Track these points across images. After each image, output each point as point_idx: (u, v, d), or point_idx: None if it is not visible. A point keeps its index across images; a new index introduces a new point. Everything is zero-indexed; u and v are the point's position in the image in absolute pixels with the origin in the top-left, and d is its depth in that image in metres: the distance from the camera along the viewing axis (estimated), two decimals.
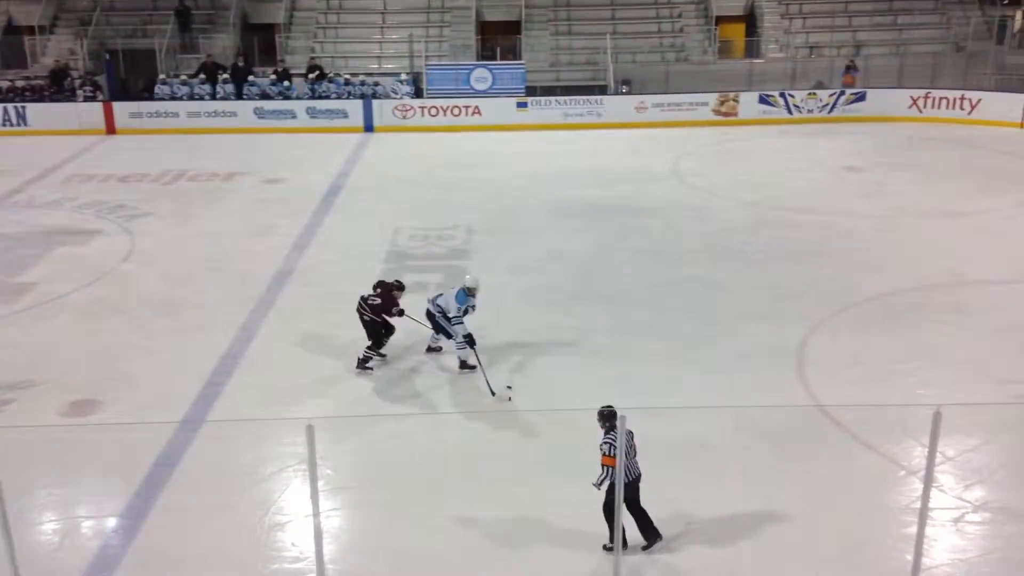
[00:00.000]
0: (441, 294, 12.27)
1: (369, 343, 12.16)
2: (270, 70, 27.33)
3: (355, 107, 26.17)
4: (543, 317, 13.80)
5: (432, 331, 12.52)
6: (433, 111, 26.25)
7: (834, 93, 26.06)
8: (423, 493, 9.51)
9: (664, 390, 11.55)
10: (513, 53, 28.30)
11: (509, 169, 22.11)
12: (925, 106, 25.54)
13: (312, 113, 26.15)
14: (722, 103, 26.30)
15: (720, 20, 29.13)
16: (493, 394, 11.40)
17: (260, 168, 22.29)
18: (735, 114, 26.19)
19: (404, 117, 26.18)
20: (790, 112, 26.07)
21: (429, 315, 12.27)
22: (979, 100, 24.99)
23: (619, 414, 7.79)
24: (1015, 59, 27.36)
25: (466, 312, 11.99)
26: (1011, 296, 14.18)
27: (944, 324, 13.29)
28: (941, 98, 25.44)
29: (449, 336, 12.19)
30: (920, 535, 7.51)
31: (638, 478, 8.44)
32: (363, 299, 12.23)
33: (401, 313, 12.22)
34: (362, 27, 29.95)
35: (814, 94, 26.16)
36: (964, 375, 11.76)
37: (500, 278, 15.25)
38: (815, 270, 15.42)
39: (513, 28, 29.25)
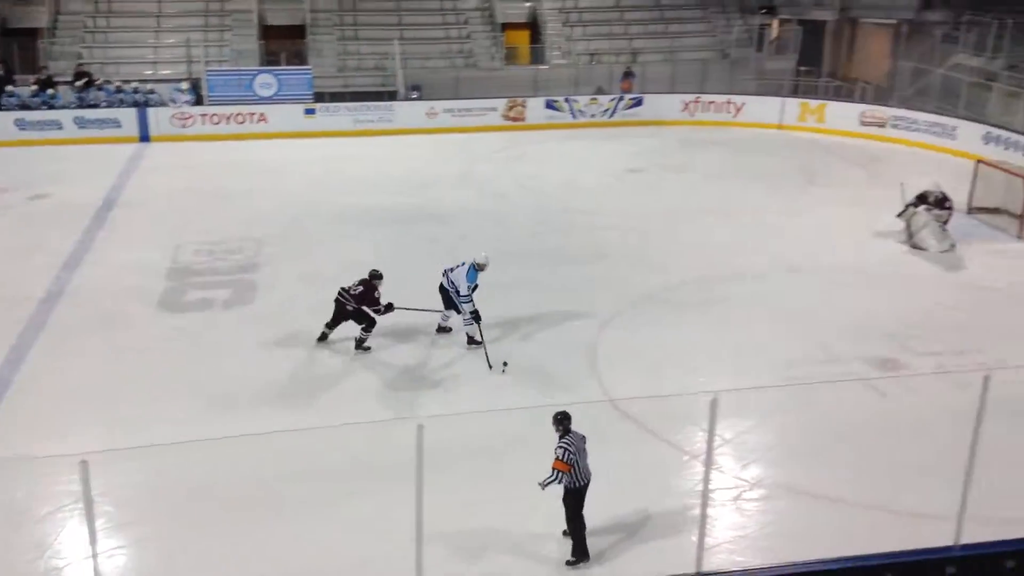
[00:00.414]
0: (454, 268, 12.84)
1: (363, 326, 12.64)
2: (31, 78, 25.37)
3: (128, 116, 24.74)
4: (342, 328, 13.54)
5: (443, 308, 13.08)
6: (215, 119, 25.26)
7: (614, 98, 27.21)
8: (211, 524, 9.09)
9: (463, 395, 11.63)
10: (299, 58, 27.72)
11: (299, 178, 21.60)
12: (696, 110, 27.13)
13: (80, 123, 24.48)
14: (511, 108, 26.87)
15: (506, 27, 29.77)
16: (491, 367, 12.22)
17: (24, 183, 20.60)
18: (523, 119, 26.82)
19: (184, 126, 25.02)
20: (574, 117, 26.98)
21: (442, 289, 12.93)
22: (743, 103, 26.83)
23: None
24: (773, 64, 29.57)
25: (474, 289, 12.68)
26: (780, 286, 15.27)
27: (720, 315, 14.14)
28: (710, 102, 27.10)
29: (459, 311, 12.81)
30: (703, 515, 7.92)
31: (588, 483, 8.44)
32: (344, 290, 12.66)
33: (390, 308, 12.66)
34: (134, 31, 28.39)
35: (596, 99, 27.21)
36: (741, 362, 12.55)
37: (293, 290, 14.88)
38: (604, 269, 16.00)
39: (298, 33, 28.64)
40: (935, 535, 7.96)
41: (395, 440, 8.31)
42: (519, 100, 26.93)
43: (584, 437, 8.55)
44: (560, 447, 8.32)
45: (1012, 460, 10.00)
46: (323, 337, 13.00)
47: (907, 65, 27.60)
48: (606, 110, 27.13)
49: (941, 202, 16.90)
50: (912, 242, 16.85)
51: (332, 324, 12.92)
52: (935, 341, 13.11)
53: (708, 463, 8.16)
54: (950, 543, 7.79)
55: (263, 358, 12.61)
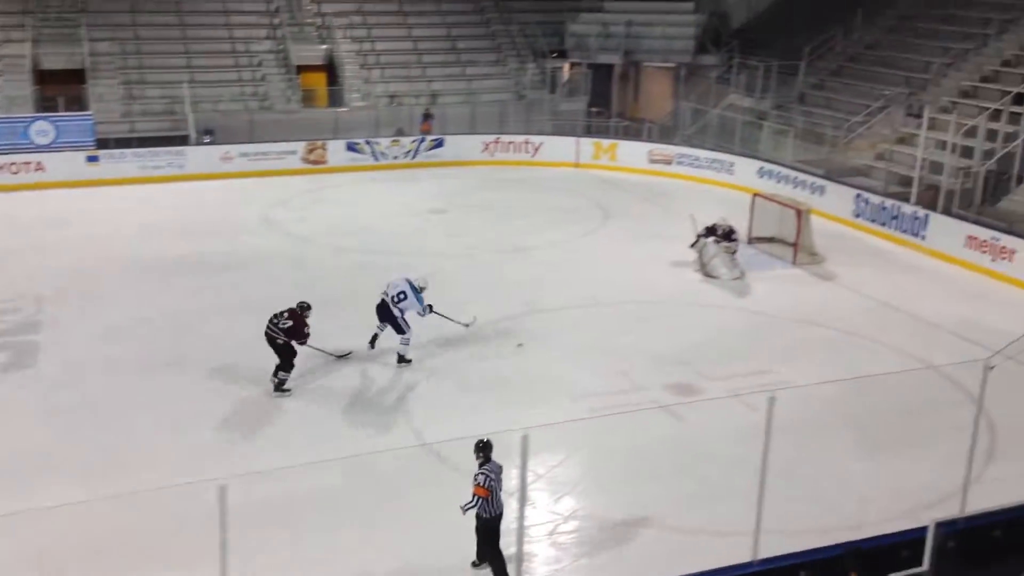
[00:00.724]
0: (403, 293, 13.68)
1: (280, 364, 12.65)
2: None
3: None
4: (138, 386, 12.86)
5: (378, 321, 13.87)
6: None
7: (416, 140, 27.42)
8: None
9: (271, 449, 11.26)
10: (79, 104, 26.22)
11: (83, 228, 20.36)
12: (496, 150, 27.78)
13: None
14: (311, 151, 26.52)
15: (301, 69, 29.40)
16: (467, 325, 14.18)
17: None
18: (324, 162, 26.53)
19: None
20: (376, 159, 26.97)
21: (383, 308, 13.70)
22: (541, 143, 27.72)
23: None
24: (567, 106, 30.75)
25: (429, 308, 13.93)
26: (580, 319, 15.80)
27: (525, 350, 14.44)
28: (509, 142, 27.83)
29: (400, 331, 13.68)
30: (519, 553, 8.02)
31: (502, 515, 8.62)
32: (273, 323, 12.67)
33: (305, 340, 12.78)
34: None
35: (397, 141, 27.32)
36: (547, 396, 12.85)
37: (82, 349, 13.99)
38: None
39: (77, 77, 27.10)
40: (736, 551, 8.40)
41: (200, 505, 7.92)
42: (319, 143, 26.63)
43: (501, 467, 8.75)
44: (481, 473, 8.63)
45: (799, 474, 10.73)
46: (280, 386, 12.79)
47: (687, 105, 29.45)
48: (408, 151, 27.30)
49: (728, 234, 18.06)
50: (704, 271, 17.90)
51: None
52: (726, 365, 13.92)
53: (522, 500, 8.28)
54: (749, 559, 8.24)
55: (47, 424, 11.74)
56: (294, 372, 12.84)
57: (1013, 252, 17.24)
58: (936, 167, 20.22)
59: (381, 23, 31.74)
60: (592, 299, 16.66)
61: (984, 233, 17.95)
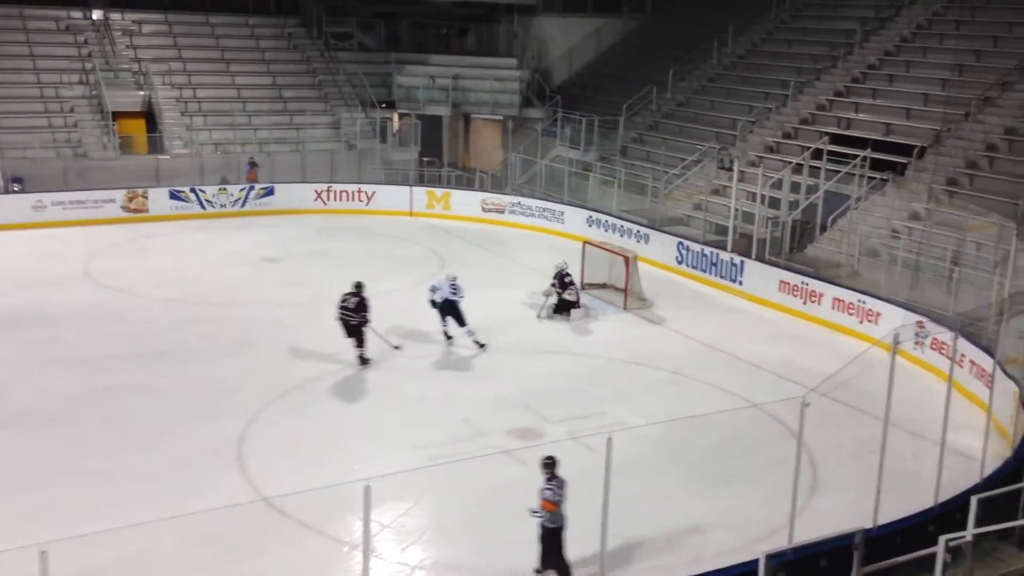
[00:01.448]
0: (439, 289, 16.31)
1: (356, 342, 15.29)
2: None
3: None
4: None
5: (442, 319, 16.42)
6: None
7: (244, 188, 26.80)
8: None
9: (96, 512, 10.60)
10: None
11: None
12: (329, 199, 27.53)
13: None
14: (131, 199, 25.44)
15: (118, 116, 28.20)
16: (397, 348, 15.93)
17: None
18: (146, 210, 25.50)
19: None
20: (203, 207, 26.16)
21: (447, 305, 16.34)
22: (374, 192, 27.70)
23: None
24: (398, 155, 30.94)
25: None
26: (420, 368, 15.81)
27: (367, 401, 14.33)
28: (342, 191, 27.65)
29: (463, 324, 16.33)
30: None
31: (565, 525, 9.30)
32: (343, 306, 15.28)
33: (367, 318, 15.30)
34: None
35: (225, 189, 26.62)
36: (389, 445, 12.75)
37: None
38: (247, 362, 15.58)
39: None
40: None
41: None
42: (139, 191, 25.61)
43: (565, 482, 9.38)
44: (548, 488, 9.29)
45: (640, 512, 11.10)
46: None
47: (516, 156, 30.28)
48: (237, 200, 26.63)
49: (562, 278, 18.57)
50: (543, 314, 18.39)
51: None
52: (564, 408, 14.27)
53: (366, 552, 8.20)
54: None
55: None
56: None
57: (821, 295, 18.61)
58: (748, 217, 21.62)
59: (202, 70, 31.01)
60: (430, 348, 16.70)
61: (794, 278, 19.29)
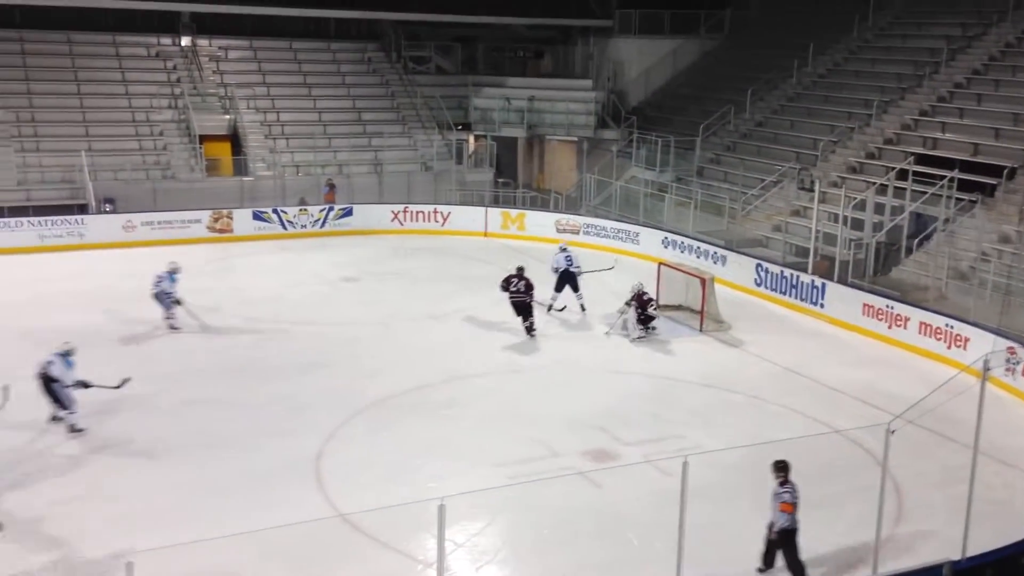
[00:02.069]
0: (570, 258, 19.37)
1: (528, 323, 17.92)
2: None
3: None
4: (35, 460, 12.29)
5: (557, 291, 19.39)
6: None
7: (324, 208, 27.33)
8: None
9: (181, 524, 10.85)
10: None
11: None
12: (405, 219, 27.88)
13: None
14: (216, 220, 26.15)
15: (204, 139, 29.11)
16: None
17: None
18: (230, 231, 26.18)
19: None
20: (284, 228, 26.74)
21: (565, 276, 19.48)
22: (449, 213, 27.95)
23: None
24: (473, 176, 31.22)
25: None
26: (494, 386, 15.84)
27: (442, 418, 14.39)
28: (418, 212, 27.98)
29: (577, 289, 19.61)
30: None
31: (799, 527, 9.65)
32: (515, 291, 17.99)
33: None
34: None
35: (305, 210, 27.18)
36: (465, 464, 12.77)
37: None
38: (324, 379, 15.81)
39: None
40: None
41: None
42: (224, 212, 26.30)
43: (796, 484, 9.81)
44: (786, 491, 9.68)
45: (715, 538, 10.89)
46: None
47: (591, 177, 30.26)
48: (316, 220, 27.17)
49: (640, 296, 18.48)
50: (611, 332, 18.44)
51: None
52: (639, 431, 14.11)
53: (440, 571, 8.21)
54: None
55: None
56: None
57: (907, 319, 18.07)
58: (829, 238, 21.19)
59: (285, 94, 31.83)
60: (505, 366, 16.74)
61: (879, 301, 18.79)
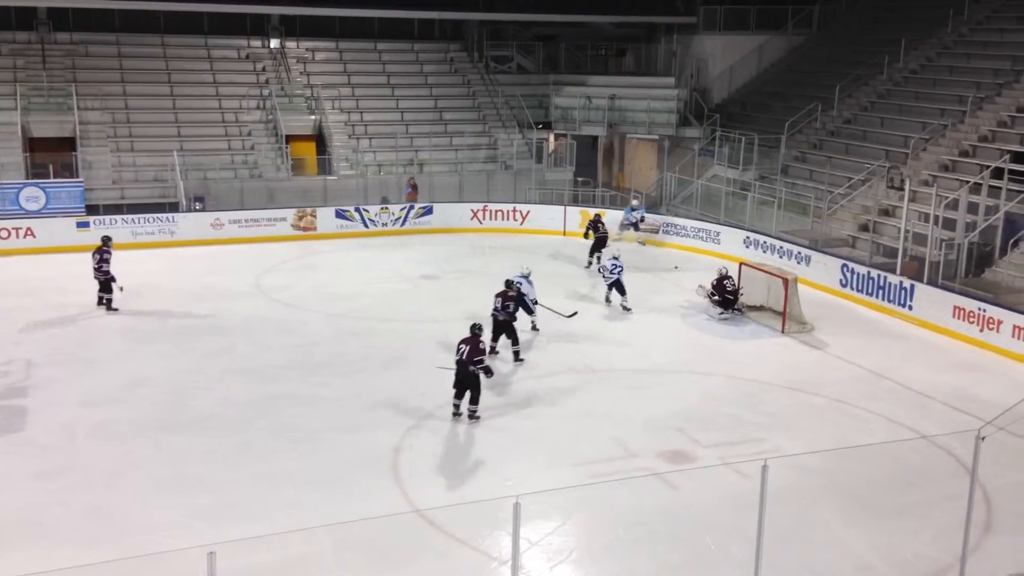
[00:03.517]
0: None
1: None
2: None
3: None
4: (126, 450, 12.74)
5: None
6: None
7: (404, 207, 27.66)
8: None
9: (261, 515, 11.12)
10: (69, 171, 26.36)
11: (73, 294, 20.27)
12: (484, 218, 28.03)
13: None
14: (300, 218, 26.70)
15: (290, 139, 29.75)
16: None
17: None
18: (314, 228, 26.69)
19: None
20: (366, 226, 27.15)
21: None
22: (528, 212, 28.00)
23: None
24: (552, 175, 31.18)
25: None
26: (572, 385, 15.79)
27: (520, 416, 14.41)
28: (497, 210, 28.10)
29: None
30: None
31: None
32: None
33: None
34: None
35: (386, 208, 27.55)
36: (542, 462, 12.79)
37: (73, 413, 13.88)
38: (403, 376, 15.99)
39: (67, 145, 27.29)
40: None
41: None
42: (309, 210, 26.83)
43: None
44: None
45: (794, 544, 10.67)
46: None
47: (672, 176, 29.91)
48: (397, 219, 27.51)
49: (722, 281, 19.38)
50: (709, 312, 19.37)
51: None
52: (717, 432, 13.91)
53: (514, 568, 8.22)
54: None
55: (38, 488, 11.58)
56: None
57: (1000, 323, 17.43)
58: (919, 238, 20.56)
59: (369, 95, 32.29)
60: (584, 365, 16.69)
61: (970, 304, 18.16)
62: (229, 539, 9.35)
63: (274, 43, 32.95)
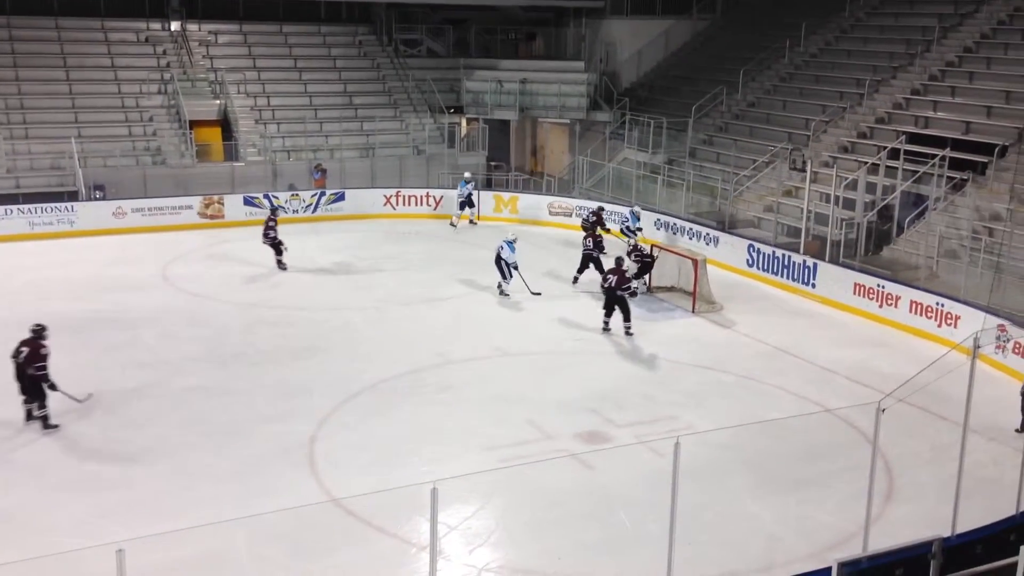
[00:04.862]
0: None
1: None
2: None
3: None
4: (23, 448, 12.29)
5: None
6: None
7: (315, 193, 27.24)
8: None
9: (172, 511, 10.88)
10: None
11: None
12: (398, 203, 27.81)
13: None
14: (207, 206, 26.06)
15: (194, 124, 28.94)
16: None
17: None
18: (222, 216, 26.08)
19: None
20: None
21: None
22: (442, 197, 27.89)
23: None
24: (465, 160, 31.09)
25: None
26: (487, 370, 15.87)
27: (436, 402, 14.42)
28: (410, 196, 27.91)
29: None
30: None
31: None
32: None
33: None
34: None
35: (297, 195, 27.09)
36: (458, 447, 12.82)
37: None
38: (317, 365, 15.82)
39: None
40: None
41: None
42: (215, 197, 26.20)
43: None
44: None
45: (707, 518, 10.96)
46: None
47: (583, 159, 30.18)
48: (309, 205, 27.07)
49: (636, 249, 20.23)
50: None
51: None
52: (631, 412, 14.16)
53: (433, 553, 8.25)
54: None
55: None
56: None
57: (898, 298, 18.14)
58: (821, 218, 21.20)
59: (275, 78, 31.63)
60: (498, 350, 16.76)
61: (870, 281, 18.84)
62: (137, 536, 9.11)
63: (175, 25, 31.96)
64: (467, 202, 26.42)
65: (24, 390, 12.93)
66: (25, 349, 12.87)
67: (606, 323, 17.61)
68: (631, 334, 17.37)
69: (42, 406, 12.88)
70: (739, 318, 18.81)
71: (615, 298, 17.38)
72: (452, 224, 26.08)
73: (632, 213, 23.72)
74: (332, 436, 13.11)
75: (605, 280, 17.64)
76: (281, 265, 21.77)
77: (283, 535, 10.26)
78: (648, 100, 32.46)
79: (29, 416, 13.01)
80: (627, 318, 17.42)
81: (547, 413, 13.96)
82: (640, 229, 23.55)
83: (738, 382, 15.57)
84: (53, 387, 12.91)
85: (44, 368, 12.81)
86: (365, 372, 15.42)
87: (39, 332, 13.01)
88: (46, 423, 12.90)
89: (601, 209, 24.23)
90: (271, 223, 22.00)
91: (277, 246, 21.82)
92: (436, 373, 15.60)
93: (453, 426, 13.55)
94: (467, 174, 27.33)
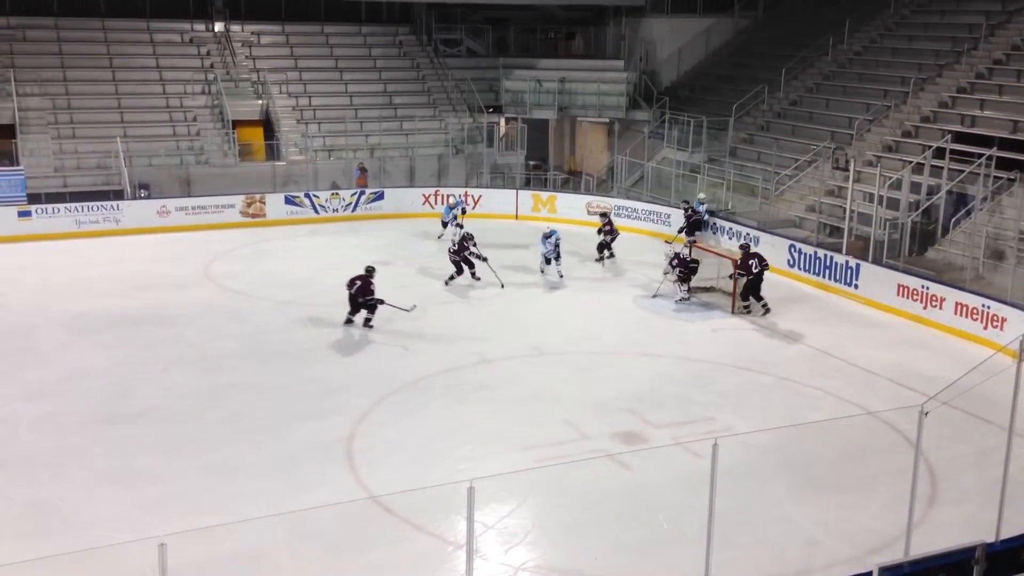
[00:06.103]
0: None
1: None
2: None
3: None
4: (67, 443, 12.51)
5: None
6: None
7: (355, 192, 27.43)
8: None
9: (213, 506, 11.01)
10: (9, 159, 25.69)
11: (13, 284, 19.86)
12: (436, 203, 27.88)
13: None
14: (249, 205, 26.35)
15: (237, 124, 29.30)
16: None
17: None
18: (263, 215, 26.37)
19: None
20: (316, 212, 26.89)
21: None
22: (480, 196, 27.93)
23: None
24: (504, 159, 31.15)
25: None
26: (525, 369, 15.86)
27: (473, 401, 14.44)
28: (449, 195, 27.91)
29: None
30: None
31: None
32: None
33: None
34: None
35: (337, 194, 27.30)
36: (495, 446, 12.82)
37: (11, 407, 13.58)
38: (357, 362, 15.95)
39: (7, 132, 26.59)
40: None
41: None
42: (257, 196, 26.50)
43: None
44: None
45: (745, 520, 10.84)
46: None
47: (622, 159, 30.06)
48: (348, 204, 27.28)
49: (678, 257, 19.39)
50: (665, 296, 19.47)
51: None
52: (669, 413, 14.07)
53: (469, 552, 8.25)
54: None
55: None
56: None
57: (943, 300, 17.82)
58: (864, 218, 20.91)
59: (317, 79, 31.91)
60: (536, 349, 16.75)
61: (914, 282, 18.54)
62: (179, 530, 9.24)
63: (218, 26, 32.37)
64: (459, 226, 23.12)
65: (355, 310, 17.35)
66: (358, 282, 17.25)
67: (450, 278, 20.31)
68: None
69: (370, 315, 17.36)
70: (779, 319, 18.60)
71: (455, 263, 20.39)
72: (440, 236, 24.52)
73: (699, 202, 24.27)
74: (370, 434, 13.18)
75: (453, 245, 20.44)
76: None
77: (321, 531, 10.33)
78: (688, 99, 32.23)
79: (348, 321, 17.45)
80: (472, 275, 20.31)
81: (584, 413, 13.92)
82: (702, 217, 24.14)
83: (778, 383, 15.40)
84: (381, 302, 17.30)
85: (372, 294, 17.27)
86: (403, 370, 15.48)
87: (370, 272, 17.60)
88: (367, 323, 17.35)
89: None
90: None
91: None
92: (473, 372, 15.62)
93: (490, 425, 13.55)
94: (451, 198, 25.86)
